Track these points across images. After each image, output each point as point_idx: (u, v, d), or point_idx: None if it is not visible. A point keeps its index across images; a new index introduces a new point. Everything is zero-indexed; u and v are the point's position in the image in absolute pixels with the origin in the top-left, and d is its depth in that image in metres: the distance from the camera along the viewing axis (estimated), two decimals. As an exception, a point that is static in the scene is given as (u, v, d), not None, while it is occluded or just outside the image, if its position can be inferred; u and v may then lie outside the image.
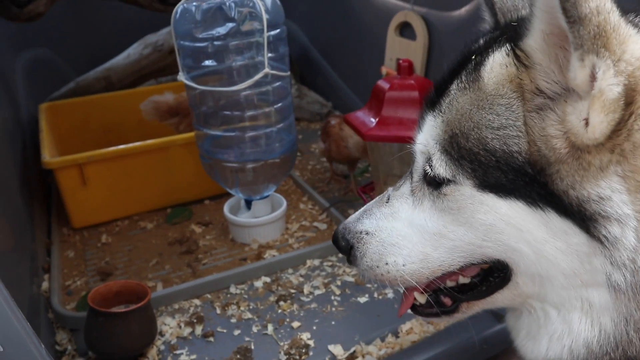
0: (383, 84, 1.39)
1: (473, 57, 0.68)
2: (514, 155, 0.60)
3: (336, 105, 2.56)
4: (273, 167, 1.49)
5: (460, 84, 0.67)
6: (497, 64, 0.63)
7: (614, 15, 0.50)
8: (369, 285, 1.39)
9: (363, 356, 1.17)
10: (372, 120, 1.36)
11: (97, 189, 1.66)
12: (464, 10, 1.68)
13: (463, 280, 0.76)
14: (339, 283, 1.41)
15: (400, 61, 1.40)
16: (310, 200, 1.81)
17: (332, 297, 1.36)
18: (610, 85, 0.52)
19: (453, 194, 0.65)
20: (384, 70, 2.01)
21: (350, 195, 1.83)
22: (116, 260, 1.54)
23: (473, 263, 0.70)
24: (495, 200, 0.62)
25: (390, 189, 0.79)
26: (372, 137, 1.34)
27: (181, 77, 1.41)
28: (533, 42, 0.58)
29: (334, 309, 1.32)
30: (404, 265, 0.72)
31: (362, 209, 0.80)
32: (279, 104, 1.46)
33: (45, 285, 1.42)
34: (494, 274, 0.72)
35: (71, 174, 1.60)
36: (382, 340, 1.22)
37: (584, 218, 0.58)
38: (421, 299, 0.79)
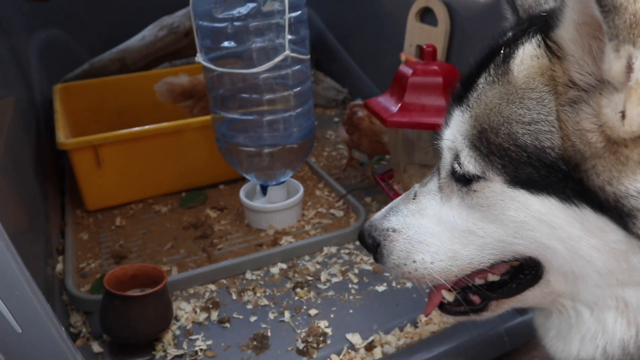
0: (406, 69, 1.35)
1: (502, 49, 0.65)
2: (547, 151, 0.58)
3: (352, 92, 2.52)
4: (290, 152, 1.46)
5: (488, 78, 0.65)
6: (527, 56, 0.61)
7: None
8: (387, 274, 1.37)
9: (382, 345, 1.15)
10: (394, 106, 1.33)
11: (111, 171, 1.64)
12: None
13: (492, 278, 0.74)
14: (356, 271, 1.39)
15: (424, 46, 1.37)
16: (327, 187, 1.79)
17: (350, 285, 1.34)
18: None
19: (483, 190, 0.64)
20: (403, 56, 1.97)
21: (367, 183, 1.80)
22: (130, 244, 1.53)
23: (504, 260, 0.69)
24: (527, 197, 0.61)
25: (416, 185, 0.77)
26: (394, 124, 1.31)
27: (199, 58, 1.38)
28: (565, 32, 0.55)
29: (351, 297, 1.30)
30: (432, 263, 0.71)
31: (389, 205, 0.78)
32: (298, 88, 1.43)
33: (59, 267, 1.41)
34: (524, 272, 0.70)
35: (86, 155, 1.59)
36: (401, 330, 1.19)
37: (622, 214, 0.56)
38: (449, 297, 0.77)
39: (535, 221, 0.61)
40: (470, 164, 0.64)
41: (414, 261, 0.72)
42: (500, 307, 0.77)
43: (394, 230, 0.74)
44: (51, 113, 1.81)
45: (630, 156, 0.54)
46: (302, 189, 1.58)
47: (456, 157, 0.66)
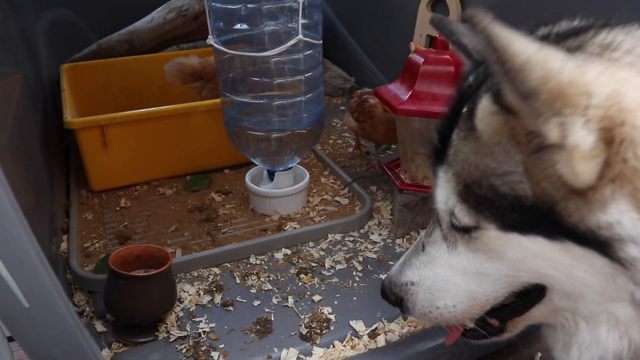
0: (417, 57, 1.34)
1: (465, 102, 0.67)
2: (522, 199, 0.60)
3: (359, 81, 2.51)
4: (299, 138, 1.46)
5: (460, 134, 0.66)
6: (486, 113, 0.62)
7: (566, 73, 0.49)
8: (391, 263, 1.37)
9: (385, 333, 1.14)
10: (405, 94, 1.32)
11: (117, 152, 1.64)
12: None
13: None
14: (360, 259, 1.39)
15: (437, 35, 1.36)
16: (332, 175, 1.78)
17: (354, 273, 1.33)
18: (582, 137, 0.51)
19: (482, 237, 0.67)
20: (412, 46, 1.95)
21: (372, 172, 1.80)
22: (135, 225, 1.52)
23: (514, 291, 0.73)
24: (519, 238, 0.63)
25: (421, 234, 0.82)
26: (405, 112, 1.30)
27: (210, 40, 1.37)
28: (508, 96, 0.56)
29: (355, 284, 1.30)
30: (454, 306, 0.76)
31: (402, 260, 0.84)
32: (309, 74, 1.42)
33: (63, 245, 1.41)
34: (531, 293, 0.74)
35: (93, 135, 1.58)
36: (405, 318, 1.19)
37: (600, 244, 0.58)
38: (470, 324, 0.81)
39: (531, 256, 0.65)
40: (465, 217, 0.67)
41: (438, 307, 0.77)
42: (516, 326, 0.81)
43: (412, 284, 0.79)
44: (58, 93, 1.80)
45: (595, 197, 0.56)
46: (308, 176, 1.58)
47: (452, 213, 0.69)
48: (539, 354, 1.25)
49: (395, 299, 0.83)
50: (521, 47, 0.48)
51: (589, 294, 0.65)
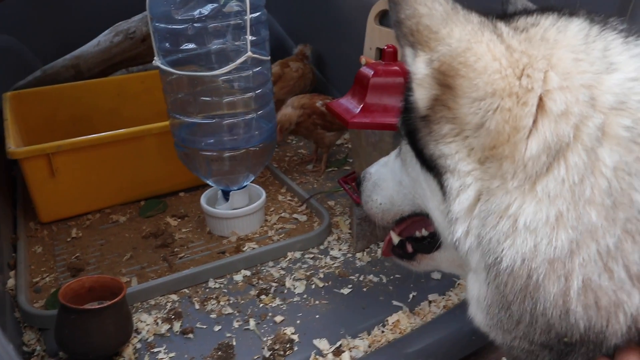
0: (367, 70, 1.34)
1: None
2: (410, 112, 0.64)
3: (313, 97, 2.51)
4: (252, 155, 1.44)
5: None
6: None
7: (429, 19, 0.57)
8: (352, 277, 1.36)
9: (350, 350, 1.13)
10: (356, 107, 1.32)
11: (66, 181, 1.58)
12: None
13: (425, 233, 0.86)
14: (321, 275, 1.37)
15: (385, 47, 1.36)
16: (289, 192, 1.77)
17: (315, 290, 1.31)
18: (419, 68, 0.58)
19: (404, 146, 0.74)
20: (363, 59, 1.97)
21: (329, 188, 1.80)
22: (87, 255, 1.47)
23: (416, 212, 0.79)
24: (415, 157, 0.68)
25: None
26: (357, 125, 1.30)
27: (157, 62, 1.35)
28: None
29: (317, 302, 1.28)
30: (380, 204, 0.86)
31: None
32: (259, 90, 1.41)
33: (11, 282, 1.34)
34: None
35: (39, 164, 1.52)
36: (369, 333, 1.18)
37: (438, 175, 0.62)
38: (395, 239, 0.91)
39: (420, 181, 0.69)
40: (401, 126, 0.72)
41: (372, 200, 0.87)
42: (424, 261, 0.87)
43: (370, 174, 0.89)
44: (1, 122, 1.74)
45: (434, 129, 0.61)
46: (264, 194, 1.55)
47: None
48: (504, 359, 1.25)
49: (358, 181, 0.93)
50: None
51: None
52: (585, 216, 0.51)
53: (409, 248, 0.89)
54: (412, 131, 0.65)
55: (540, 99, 0.54)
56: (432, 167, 0.63)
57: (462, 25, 0.57)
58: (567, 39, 0.57)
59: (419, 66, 0.59)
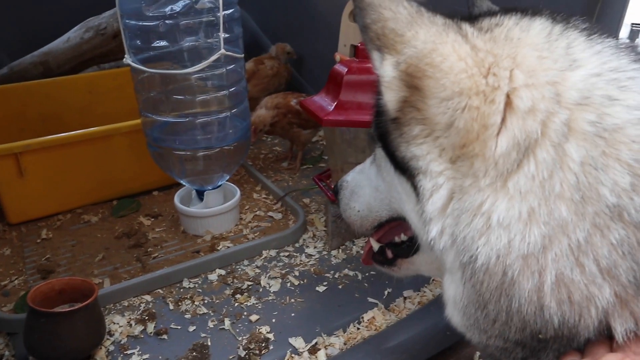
0: (341, 67, 1.34)
1: None
2: (382, 116, 0.65)
3: (288, 93, 2.50)
4: (227, 154, 1.42)
5: None
6: None
7: (391, 22, 0.58)
8: (327, 275, 1.36)
9: (325, 347, 1.13)
10: (330, 104, 1.32)
11: (35, 181, 1.55)
12: (419, -5, 1.65)
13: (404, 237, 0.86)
14: (296, 273, 1.36)
15: (359, 44, 1.36)
16: (264, 190, 1.76)
17: (291, 288, 1.31)
18: (386, 71, 0.59)
19: (378, 152, 0.74)
20: (337, 56, 1.96)
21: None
22: (58, 257, 1.44)
23: (393, 217, 0.79)
24: (388, 162, 0.68)
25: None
26: (331, 122, 1.29)
27: (127, 59, 1.32)
28: None
29: (292, 300, 1.27)
30: (359, 211, 0.85)
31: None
32: (233, 88, 1.39)
33: (-21, 285, 1.31)
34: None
35: (6, 164, 1.49)
36: (344, 330, 1.18)
37: (411, 177, 0.63)
38: (375, 246, 0.91)
39: (395, 185, 0.68)
40: (374, 130, 0.71)
41: (350, 207, 0.87)
42: (405, 266, 0.86)
43: (346, 182, 0.90)
44: (-34, 121, 1.69)
45: (404, 132, 0.61)
46: (239, 193, 1.54)
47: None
48: (478, 353, 1.27)
49: (335, 190, 0.93)
50: None
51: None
52: (556, 211, 0.52)
53: (389, 254, 0.89)
54: (384, 134, 0.65)
55: (508, 97, 0.55)
56: (405, 169, 0.63)
57: (427, 27, 0.58)
58: (531, 38, 0.58)
59: (387, 69, 0.59)
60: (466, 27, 0.60)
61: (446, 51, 0.56)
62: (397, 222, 0.80)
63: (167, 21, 1.26)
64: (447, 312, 0.64)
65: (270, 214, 1.61)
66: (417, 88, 0.57)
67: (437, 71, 0.56)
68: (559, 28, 0.59)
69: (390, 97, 0.60)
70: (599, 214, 0.50)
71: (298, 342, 1.14)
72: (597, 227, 0.50)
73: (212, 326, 1.19)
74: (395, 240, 0.87)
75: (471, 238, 0.56)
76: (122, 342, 1.15)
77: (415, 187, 0.62)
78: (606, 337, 0.52)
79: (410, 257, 0.82)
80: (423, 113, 0.58)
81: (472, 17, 0.64)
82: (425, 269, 0.82)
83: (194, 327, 1.19)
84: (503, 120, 0.55)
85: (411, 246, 0.77)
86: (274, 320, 1.21)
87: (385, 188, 0.76)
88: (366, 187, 0.83)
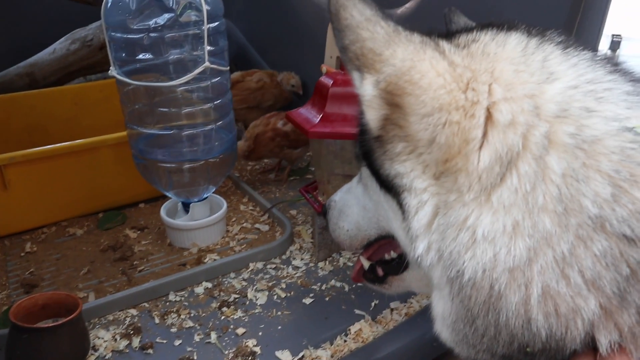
0: (326, 79, 1.35)
1: None
2: (365, 134, 0.65)
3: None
4: (212, 167, 1.42)
5: None
6: None
7: (369, 42, 0.59)
8: (314, 287, 1.35)
9: (312, 361, 1.12)
10: (316, 117, 1.32)
11: (19, 193, 1.53)
12: (404, 8, 1.67)
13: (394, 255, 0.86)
14: (283, 286, 1.36)
15: (344, 57, 1.37)
16: (251, 202, 1.76)
17: (278, 301, 1.31)
18: (366, 90, 0.60)
19: (364, 171, 0.75)
20: (324, 68, 1.97)
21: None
22: (42, 271, 1.43)
23: (382, 235, 0.79)
24: (374, 180, 0.68)
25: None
26: (317, 134, 1.30)
27: (113, 72, 1.32)
28: None
29: (279, 312, 1.27)
30: (348, 230, 0.85)
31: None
32: (218, 101, 1.39)
33: (-39, 300, 1.30)
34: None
35: (-10, 177, 1.48)
36: (331, 343, 1.18)
37: (396, 195, 0.63)
38: (366, 264, 0.91)
39: (382, 203, 0.69)
40: (357, 148, 0.72)
41: (339, 227, 0.87)
42: (396, 283, 0.86)
43: (334, 202, 0.90)
44: (-50, 133, 1.68)
45: (388, 149, 0.61)
46: (225, 205, 1.54)
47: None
48: (465, 365, 1.27)
49: (324, 211, 0.93)
50: (351, 13, 0.59)
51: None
52: (540, 223, 0.52)
53: (380, 271, 0.89)
54: (368, 152, 0.65)
55: (488, 111, 0.55)
56: (390, 187, 0.63)
57: (405, 45, 0.58)
58: (507, 52, 0.59)
59: (367, 88, 0.60)
60: (443, 43, 0.61)
61: (424, 68, 0.57)
62: (387, 240, 0.80)
63: (151, 34, 1.26)
64: (436, 328, 0.64)
65: (257, 226, 1.61)
66: (398, 105, 0.58)
67: (416, 88, 0.57)
68: (535, 42, 0.60)
69: (372, 116, 0.60)
70: (581, 226, 0.51)
71: (285, 355, 1.13)
72: (580, 238, 0.51)
73: (198, 340, 1.18)
74: (385, 257, 0.87)
75: (457, 253, 0.56)
76: (106, 357, 1.14)
77: (400, 205, 0.62)
78: (591, 349, 0.52)
79: (401, 274, 0.82)
80: (405, 130, 0.59)
81: (449, 34, 0.65)
82: (415, 286, 0.83)
83: (180, 341, 1.18)
84: (484, 134, 0.55)
85: (401, 263, 0.77)
86: (260, 333, 1.20)
87: (372, 207, 0.76)
88: (354, 207, 0.83)
